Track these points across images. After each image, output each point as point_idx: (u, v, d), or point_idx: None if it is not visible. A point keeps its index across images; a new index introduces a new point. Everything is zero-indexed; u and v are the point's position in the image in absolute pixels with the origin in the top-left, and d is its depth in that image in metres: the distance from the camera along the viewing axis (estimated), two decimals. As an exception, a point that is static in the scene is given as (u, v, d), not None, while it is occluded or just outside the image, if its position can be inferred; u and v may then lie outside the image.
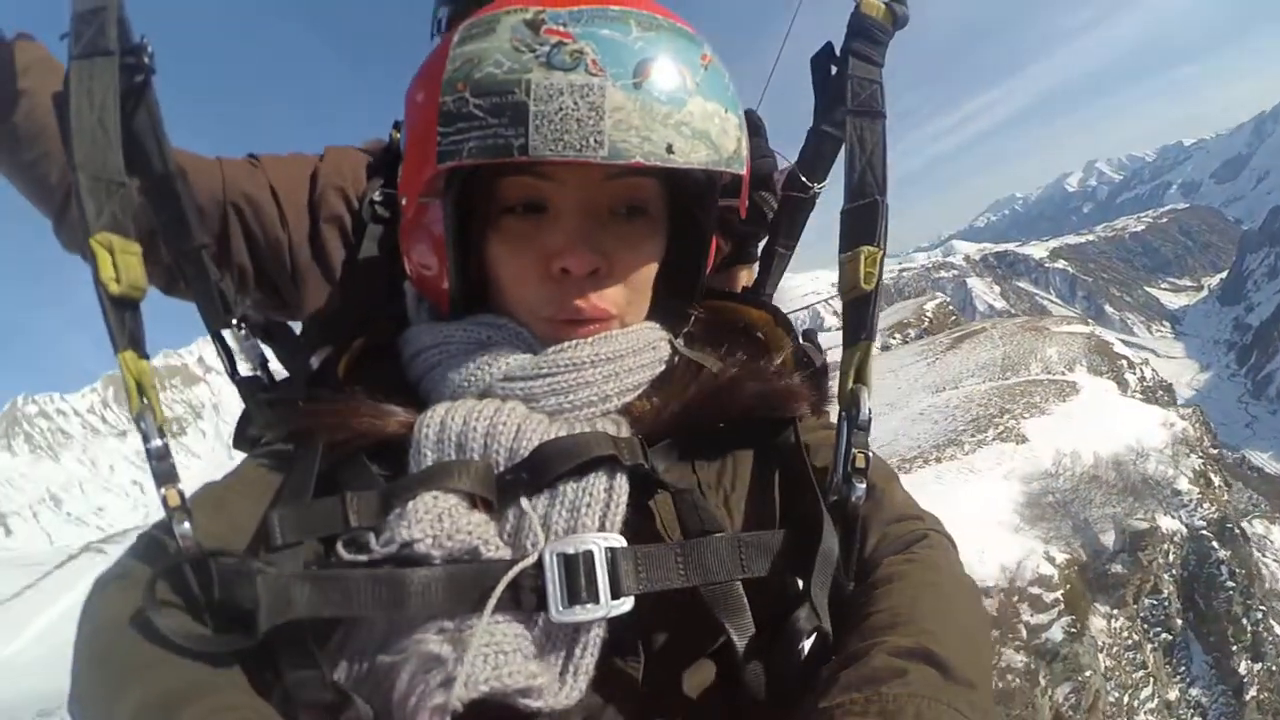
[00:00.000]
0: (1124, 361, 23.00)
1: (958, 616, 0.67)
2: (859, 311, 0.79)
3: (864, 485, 0.73)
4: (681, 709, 0.67)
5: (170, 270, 1.03)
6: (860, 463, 0.73)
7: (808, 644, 0.69)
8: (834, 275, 0.85)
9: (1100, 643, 11.08)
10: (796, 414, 0.79)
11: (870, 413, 0.75)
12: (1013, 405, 15.57)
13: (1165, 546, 12.77)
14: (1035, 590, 10.53)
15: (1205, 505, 13.73)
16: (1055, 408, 15.28)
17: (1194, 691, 12.74)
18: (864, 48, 0.91)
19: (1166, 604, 12.83)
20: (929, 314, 32.67)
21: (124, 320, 0.70)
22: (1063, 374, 18.87)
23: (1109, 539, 12.14)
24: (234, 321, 0.91)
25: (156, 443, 0.67)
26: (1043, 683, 9.71)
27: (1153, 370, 25.29)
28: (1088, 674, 10.15)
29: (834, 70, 0.97)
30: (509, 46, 0.66)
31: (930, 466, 13.15)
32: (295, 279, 1.13)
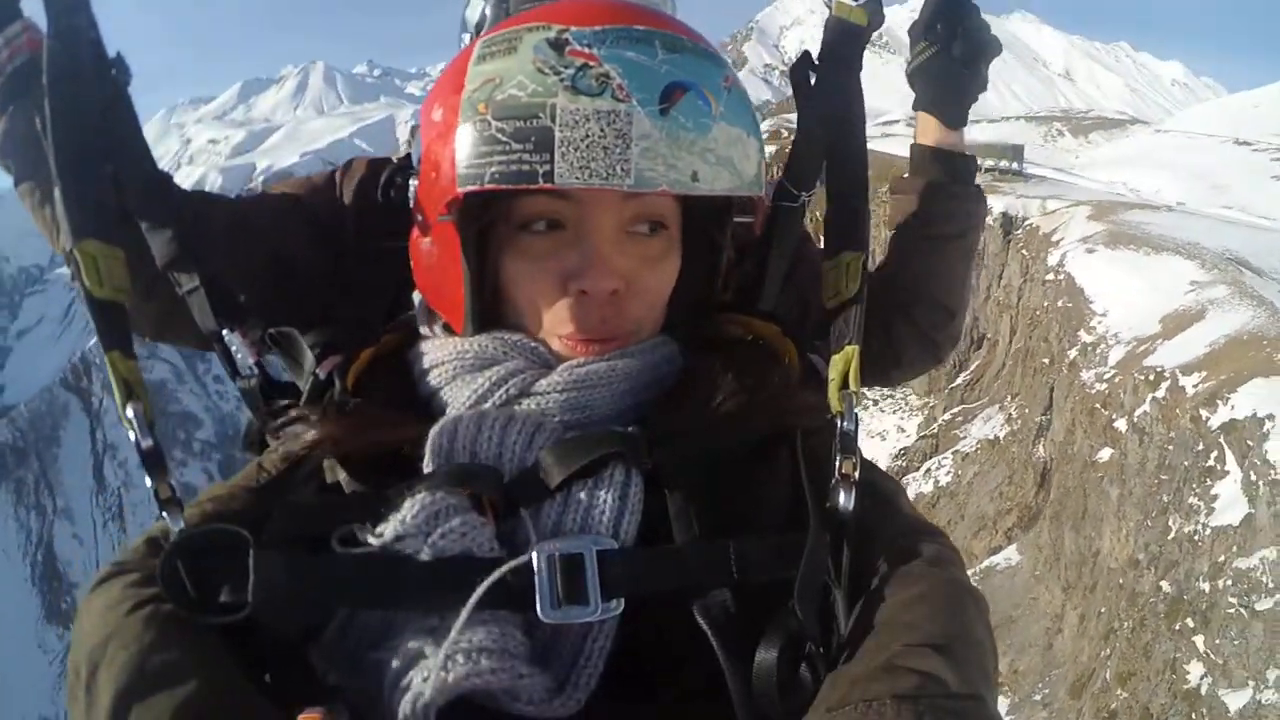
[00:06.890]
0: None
1: (964, 625, 0.67)
2: (844, 317, 0.80)
3: (853, 491, 0.72)
4: (681, 718, 0.67)
5: (157, 315, 1.02)
6: (847, 469, 0.73)
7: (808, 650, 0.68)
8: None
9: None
10: (801, 425, 0.79)
11: (857, 419, 0.76)
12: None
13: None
14: None
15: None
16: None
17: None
18: (840, 51, 0.92)
19: None
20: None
21: (110, 322, 0.71)
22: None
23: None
24: (233, 328, 0.91)
25: (148, 441, 0.68)
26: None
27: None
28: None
29: (813, 78, 0.97)
30: (532, 68, 0.66)
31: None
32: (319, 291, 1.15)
